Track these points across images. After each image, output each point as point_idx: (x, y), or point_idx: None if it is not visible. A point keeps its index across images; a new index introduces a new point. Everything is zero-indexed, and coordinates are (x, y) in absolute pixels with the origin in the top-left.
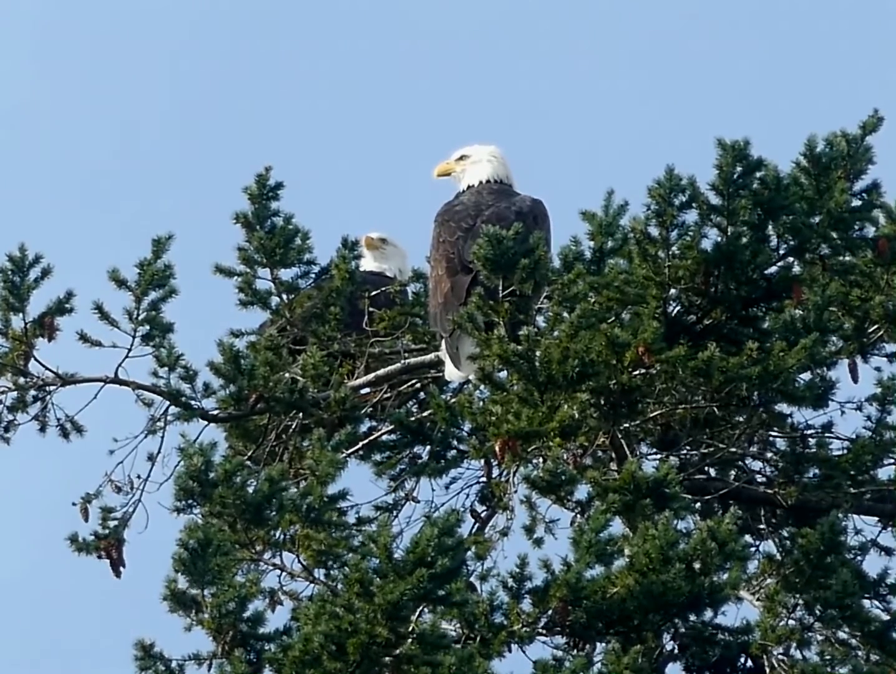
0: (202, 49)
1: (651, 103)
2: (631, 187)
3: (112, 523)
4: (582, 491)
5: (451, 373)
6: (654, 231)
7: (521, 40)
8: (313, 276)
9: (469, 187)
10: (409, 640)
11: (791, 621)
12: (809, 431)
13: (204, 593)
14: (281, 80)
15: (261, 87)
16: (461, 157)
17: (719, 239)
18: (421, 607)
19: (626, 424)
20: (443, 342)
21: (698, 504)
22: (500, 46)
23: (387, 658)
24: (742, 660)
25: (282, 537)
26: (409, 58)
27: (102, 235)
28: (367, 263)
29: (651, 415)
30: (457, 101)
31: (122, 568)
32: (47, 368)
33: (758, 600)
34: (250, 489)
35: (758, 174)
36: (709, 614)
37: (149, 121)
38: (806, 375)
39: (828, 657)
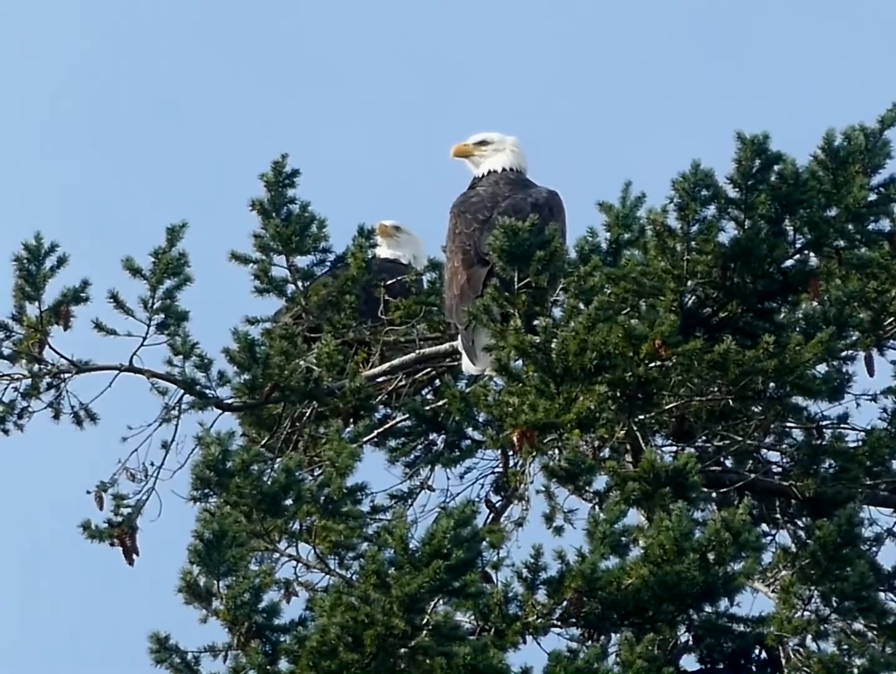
0: (207, 39)
1: (667, 96)
2: (648, 180)
3: (125, 511)
4: (600, 481)
5: (468, 367)
6: (672, 223)
7: (534, 33)
8: (329, 264)
9: (487, 174)
10: (424, 631)
11: (806, 613)
12: (825, 423)
13: (219, 585)
14: (291, 68)
15: (273, 75)
16: (481, 142)
17: (736, 232)
18: (436, 599)
19: (642, 416)
20: (459, 335)
21: (714, 495)
22: (511, 37)
23: (402, 650)
24: (757, 651)
25: (298, 527)
26: (420, 45)
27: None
28: (382, 251)
29: (667, 407)
30: (471, 89)
31: (134, 556)
32: (62, 356)
33: (773, 591)
34: (267, 479)
35: (776, 168)
36: (724, 604)
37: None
38: (822, 368)
39: (844, 648)
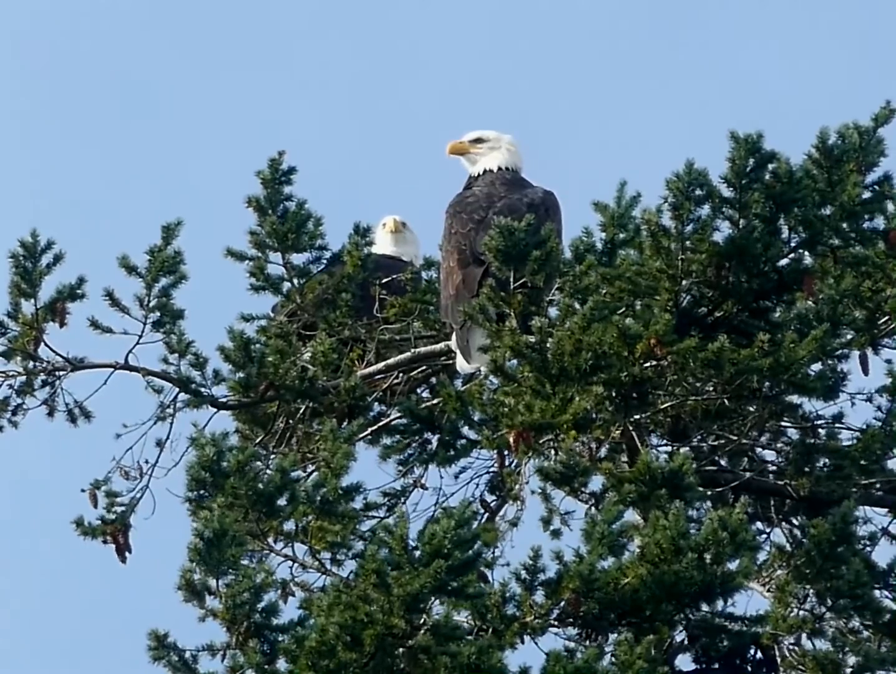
0: (208, 37)
1: (664, 95)
2: (642, 180)
3: (119, 509)
4: (595, 483)
5: (462, 365)
6: (667, 223)
7: (532, 29)
8: (325, 261)
9: (483, 173)
10: (423, 631)
11: (802, 612)
12: (820, 422)
13: (218, 584)
14: (289, 67)
15: (273, 74)
16: (477, 140)
17: (731, 232)
18: (434, 599)
19: (637, 416)
20: (453, 334)
21: (710, 494)
22: (508, 35)
23: (400, 649)
24: (753, 651)
25: (294, 527)
26: (418, 43)
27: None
28: (386, 247)
29: (662, 406)
30: (467, 88)
31: (127, 553)
32: (57, 354)
33: (768, 590)
34: (263, 479)
35: (770, 167)
36: (719, 604)
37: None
38: (817, 366)
39: (839, 645)
